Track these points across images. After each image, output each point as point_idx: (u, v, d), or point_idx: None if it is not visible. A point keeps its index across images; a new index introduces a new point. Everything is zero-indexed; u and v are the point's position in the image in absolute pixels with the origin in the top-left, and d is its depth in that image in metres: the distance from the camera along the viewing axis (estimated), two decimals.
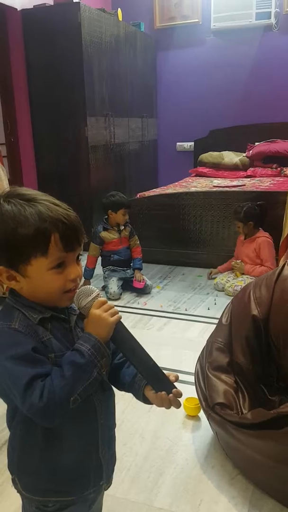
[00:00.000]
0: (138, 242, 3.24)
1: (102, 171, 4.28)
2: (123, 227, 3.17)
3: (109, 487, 0.98)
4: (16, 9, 3.78)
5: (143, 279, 3.13)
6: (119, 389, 0.94)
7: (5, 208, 0.79)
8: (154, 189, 4.19)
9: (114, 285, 3.10)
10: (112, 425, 0.95)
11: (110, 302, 0.85)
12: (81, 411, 0.80)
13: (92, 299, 0.83)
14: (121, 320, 0.84)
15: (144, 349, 0.85)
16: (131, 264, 3.23)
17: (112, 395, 0.94)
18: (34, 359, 0.77)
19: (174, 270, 3.60)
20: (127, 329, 0.85)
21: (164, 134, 5.39)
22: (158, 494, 1.47)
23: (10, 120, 4.03)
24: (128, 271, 3.23)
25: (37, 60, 3.98)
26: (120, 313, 0.84)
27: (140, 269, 3.18)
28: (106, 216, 3.14)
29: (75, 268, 0.83)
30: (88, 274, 3.17)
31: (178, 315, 2.81)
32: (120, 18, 4.44)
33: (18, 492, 0.93)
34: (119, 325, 0.83)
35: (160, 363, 0.89)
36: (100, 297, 0.84)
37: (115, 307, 0.84)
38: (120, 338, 0.84)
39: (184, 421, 1.79)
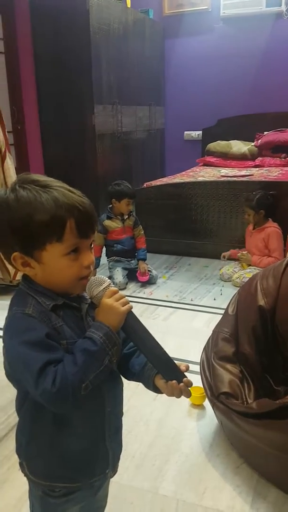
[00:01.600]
0: (143, 232, 3.23)
1: (109, 159, 4.27)
2: (126, 217, 3.17)
3: (114, 474, 0.99)
4: None
5: (147, 272, 3.12)
6: (128, 378, 0.95)
7: (20, 194, 0.79)
8: (161, 179, 4.17)
9: (119, 275, 3.10)
10: (119, 413, 0.96)
11: None
12: (90, 399, 0.81)
13: (104, 288, 0.83)
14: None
15: (154, 339, 0.86)
16: (136, 255, 3.23)
17: (120, 384, 0.94)
18: (47, 345, 0.78)
19: (180, 260, 3.60)
20: (137, 319, 0.85)
21: (172, 122, 5.35)
22: (163, 481, 1.48)
23: (17, 108, 4.01)
24: (133, 261, 3.22)
25: (45, 48, 3.95)
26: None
27: (144, 259, 3.18)
28: (110, 205, 3.14)
29: (88, 255, 0.84)
30: (94, 263, 3.17)
31: (184, 305, 2.81)
32: (129, 4, 4.39)
33: (25, 476, 0.94)
34: (130, 315, 0.84)
35: None
36: (111, 286, 0.85)
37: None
38: (131, 327, 0.85)
39: (189, 410, 1.81)
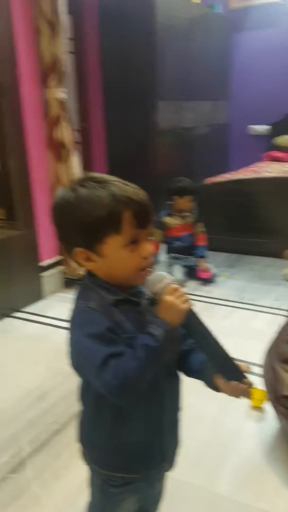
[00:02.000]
0: (203, 229, 3.19)
1: (169, 156, 4.26)
2: (187, 214, 3.15)
3: (171, 469, 1.00)
4: None
5: (208, 269, 3.09)
6: (187, 375, 0.95)
7: (80, 192, 0.83)
8: (223, 175, 4.11)
9: (178, 272, 3.09)
10: (177, 409, 0.97)
11: None
12: (149, 393, 0.83)
13: (165, 285, 0.84)
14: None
15: (215, 337, 0.86)
16: (195, 252, 3.20)
17: (178, 380, 0.95)
18: (109, 339, 0.80)
19: (242, 259, 3.53)
20: (199, 317, 0.85)
21: (236, 117, 5.24)
22: (219, 480, 1.47)
23: (83, 107, 4.11)
24: (192, 259, 3.20)
25: (111, 45, 4.01)
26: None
27: (203, 257, 3.15)
28: (170, 202, 3.14)
29: (147, 245, 0.86)
30: (153, 255, 3.17)
31: (244, 304, 2.76)
32: None
33: (86, 464, 0.98)
34: (191, 312, 0.84)
35: None
36: (173, 283, 0.85)
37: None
38: (192, 324, 0.85)
39: (248, 411, 1.78)
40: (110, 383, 0.77)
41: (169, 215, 3.15)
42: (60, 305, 2.83)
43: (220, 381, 0.87)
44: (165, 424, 0.93)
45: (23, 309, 2.78)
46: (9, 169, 2.69)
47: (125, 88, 4.05)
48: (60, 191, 0.86)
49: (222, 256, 3.57)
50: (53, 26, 2.60)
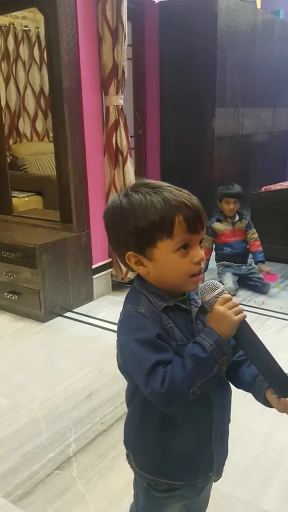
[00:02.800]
0: (257, 235, 3.11)
1: (226, 163, 4.21)
2: (238, 219, 3.08)
3: (218, 479, 0.98)
4: (154, 1, 3.86)
5: (272, 271, 3.01)
6: (238, 387, 0.93)
7: (133, 198, 0.84)
8: (282, 183, 4.00)
9: (229, 281, 3.02)
10: (227, 420, 0.94)
11: None
12: (197, 403, 0.81)
13: (217, 294, 0.82)
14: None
15: (268, 351, 0.82)
16: (252, 259, 3.11)
17: (229, 391, 0.93)
18: (158, 345, 0.79)
19: None
20: (251, 329, 0.83)
21: None
22: (266, 496, 1.43)
23: (140, 113, 4.16)
24: (243, 267, 3.13)
25: (171, 52, 4.04)
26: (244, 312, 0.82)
27: (263, 262, 3.06)
28: (221, 209, 3.12)
29: (198, 251, 0.84)
30: (205, 260, 3.10)
31: None
32: (259, 6, 4.29)
33: (131, 467, 0.97)
34: (243, 324, 0.81)
35: None
36: (225, 293, 0.83)
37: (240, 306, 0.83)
38: (244, 337, 0.82)
39: None
40: (156, 391, 0.76)
41: (219, 220, 3.11)
42: (109, 307, 2.86)
43: (271, 396, 0.84)
44: (214, 434, 0.90)
45: (74, 309, 2.84)
46: (67, 173, 2.76)
47: (182, 94, 4.05)
48: (114, 197, 0.88)
49: (277, 266, 3.47)
50: (116, 33, 2.65)
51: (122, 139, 2.84)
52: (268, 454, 1.60)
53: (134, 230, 0.83)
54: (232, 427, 0.97)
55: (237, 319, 0.80)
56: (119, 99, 2.79)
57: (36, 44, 4.61)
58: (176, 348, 0.82)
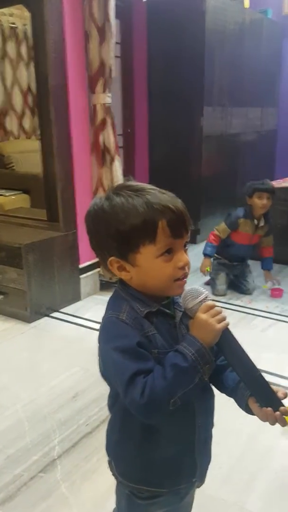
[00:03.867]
0: (273, 242, 3.00)
1: (214, 162, 4.22)
2: (263, 223, 2.89)
3: (202, 484, 0.98)
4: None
5: (279, 286, 3.00)
6: (220, 391, 0.92)
7: (115, 200, 0.82)
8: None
9: (222, 281, 2.99)
10: (210, 425, 0.94)
11: (213, 298, 0.82)
12: (180, 410, 0.80)
13: (200, 302, 0.81)
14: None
15: (250, 360, 0.81)
16: (261, 263, 3.05)
17: (212, 397, 0.92)
18: (138, 354, 0.78)
19: (284, 270, 3.43)
20: (234, 336, 0.82)
21: (286, 123, 5.13)
22: (250, 496, 1.43)
23: (128, 112, 4.14)
24: (239, 266, 3.04)
25: (158, 51, 4.02)
26: (227, 318, 0.81)
27: (270, 269, 3.01)
28: (249, 205, 2.86)
29: (183, 255, 0.83)
30: (210, 251, 2.92)
31: (285, 317, 2.68)
32: (247, 5, 4.29)
33: (112, 475, 0.97)
34: (226, 331, 0.80)
35: (261, 367, 0.84)
36: (208, 299, 0.82)
37: (223, 312, 0.81)
38: (226, 345, 0.81)
39: (284, 429, 1.71)
40: (136, 402, 0.75)
41: (245, 217, 2.86)
42: (96, 307, 2.85)
43: (253, 405, 0.83)
44: (197, 440, 0.90)
45: (61, 310, 2.82)
46: (54, 172, 2.74)
47: (171, 93, 4.05)
48: (95, 199, 0.86)
49: None
50: (102, 31, 2.63)
51: (110, 137, 2.82)
52: (252, 455, 1.60)
53: (115, 235, 0.81)
54: (216, 429, 0.97)
55: (220, 327, 0.79)
56: (107, 97, 2.77)
57: (24, 41, 4.56)
58: (158, 355, 0.81)
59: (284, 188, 3.53)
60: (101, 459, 1.59)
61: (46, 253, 2.68)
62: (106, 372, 0.86)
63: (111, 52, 2.70)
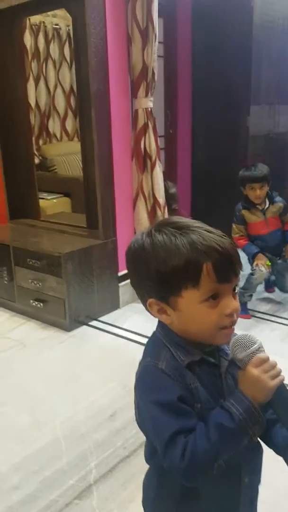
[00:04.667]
0: None
1: (260, 161, 4.04)
2: (268, 204, 2.61)
3: None
4: None
5: None
6: (268, 446, 0.83)
7: (157, 238, 0.75)
8: None
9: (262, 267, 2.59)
10: (257, 483, 0.85)
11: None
12: (224, 470, 0.72)
13: (251, 353, 0.72)
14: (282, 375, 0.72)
15: None
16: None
17: (260, 453, 0.84)
18: (179, 410, 0.71)
19: None
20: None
21: None
22: None
23: (171, 113, 4.04)
24: (279, 261, 2.68)
25: (203, 48, 3.89)
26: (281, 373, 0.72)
27: None
28: (246, 195, 2.65)
29: (231, 301, 0.74)
30: (250, 249, 2.62)
31: None
32: None
33: None
34: (280, 387, 0.71)
35: None
36: (261, 350, 0.73)
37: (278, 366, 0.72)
38: (279, 402, 0.72)
39: None
40: (175, 465, 0.68)
41: (246, 208, 2.64)
42: (134, 316, 2.78)
43: None
44: (242, 500, 0.82)
45: (100, 318, 2.78)
46: (93, 178, 2.69)
47: (215, 92, 3.90)
48: (136, 236, 0.79)
49: None
50: (146, 33, 2.55)
51: (151, 143, 2.74)
52: None
53: (155, 276, 0.74)
54: (263, 487, 0.88)
55: (274, 385, 0.70)
56: (149, 102, 2.69)
57: (67, 43, 4.55)
58: (201, 411, 0.73)
59: None
60: (138, 487, 1.49)
61: (85, 262, 2.64)
62: (143, 425, 0.79)
63: (154, 55, 2.62)
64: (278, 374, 0.71)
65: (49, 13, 4.40)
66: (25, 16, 3.07)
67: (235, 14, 3.61)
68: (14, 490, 1.54)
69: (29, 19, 4.23)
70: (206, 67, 3.92)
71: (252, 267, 2.62)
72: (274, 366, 0.71)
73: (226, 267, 0.73)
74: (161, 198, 2.81)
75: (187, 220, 0.78)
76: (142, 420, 0.79)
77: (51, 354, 2.44)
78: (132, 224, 2.88)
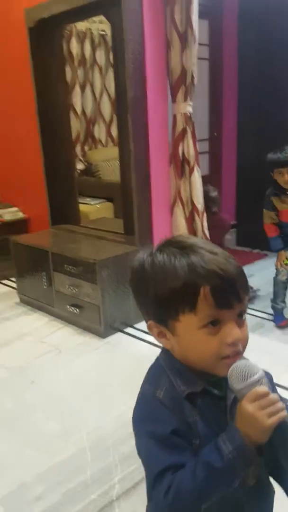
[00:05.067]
0: None
1: None
2: None
3: None
4: None
5: None
6: (278, 483, 0.76)
7: (157, 259, 0.71)
8: None
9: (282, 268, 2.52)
10: None
11: None
12: (227, 508, 0.66)
13: (249, 385, 0.64)
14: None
15: None
16: None
17: (269, 495, 0.76)
18: (172, 444, 0.66)
19: None
20: None
21: None
22: None
23: (216, 115, 3.96)
24: None
25: (249, 51, 3.78)
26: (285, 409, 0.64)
27: None
28: (275, 180, 2.52)
29: (233, 329, 0.68)
30: (278, 244, 2.53)
31: None
32: None
33: None
34: (282, 425, 0.63)
35: None
36: (262, 382, 0.64)
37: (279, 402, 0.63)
38: (280, 441, 0.64)
39: None
40: (159, 500, 0.64)
41: (275, 195, 2.50)
42: None
43: None
44: None
45: (135, 325, 2.75)
46: (130, 185, 2.67)
47: (262, 94, 3.78)
48: (140, 254, 0.76)
49: None
50: (185, 37, 2.49)
51: (189, 148, 2.68)
52: None
53: (154, 297, 0.70)
54: None
55: (270, 424, 0.62)
56: (187, 106, 2.63)
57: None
58: (200, 447, 0.67)
59: None
60: None
61: (120, 268, 2.62)
62: (139, 453, 0.74)
63: (194, 59, 2.55)
64: (278, 411, 0.62)
65: (95, 19, 4.46)
66: (65, 24, 3.11)
67: (283, 14, 3.47)
68: (37, 501, 1.54)
69: (75, 26, 4.31)
70: (253, 69, 3.81)
71: (275, 268, 2.57)
72: (273, 402, 0.63)
73: (227, 292, 0.67)
74: (200, 204, 2.75)
75: (192, 240, 0.73)
76: (137, 448, 0.74)
77: (85, 361, 2.44)
78: (169, 230, 2.83)
